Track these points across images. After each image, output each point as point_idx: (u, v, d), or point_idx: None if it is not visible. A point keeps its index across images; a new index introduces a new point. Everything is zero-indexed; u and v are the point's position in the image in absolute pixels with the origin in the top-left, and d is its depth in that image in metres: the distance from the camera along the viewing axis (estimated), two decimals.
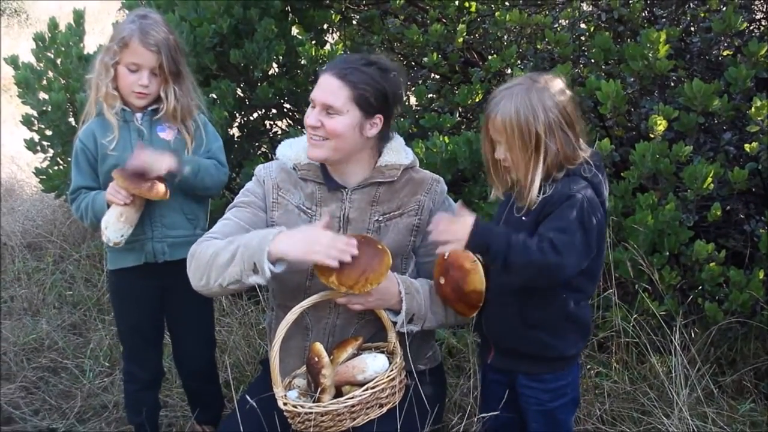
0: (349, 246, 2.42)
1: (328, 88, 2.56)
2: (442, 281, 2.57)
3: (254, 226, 2.67)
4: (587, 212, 2.35)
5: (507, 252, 2.31)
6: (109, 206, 2.95)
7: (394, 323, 2.58)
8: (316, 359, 2.47)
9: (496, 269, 2.43)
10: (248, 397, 2.57)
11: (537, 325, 2.49)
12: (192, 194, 3.09)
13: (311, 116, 2.58)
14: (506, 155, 2.42)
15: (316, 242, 2.42)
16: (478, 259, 2.52)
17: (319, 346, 2.51)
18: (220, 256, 2.49)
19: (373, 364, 2.50)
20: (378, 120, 2.59)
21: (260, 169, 2.81)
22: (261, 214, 2.72)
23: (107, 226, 2.94)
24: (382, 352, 2.60)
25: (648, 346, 3.37)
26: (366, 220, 2.66)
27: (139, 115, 3.03)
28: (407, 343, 2.55)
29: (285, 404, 2.46)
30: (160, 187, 2.91)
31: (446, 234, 2.38)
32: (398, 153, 2.69)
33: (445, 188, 2.77)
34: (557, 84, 2.44)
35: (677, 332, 3.22)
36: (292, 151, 2.73)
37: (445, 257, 2.54)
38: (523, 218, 2.44)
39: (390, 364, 2.54)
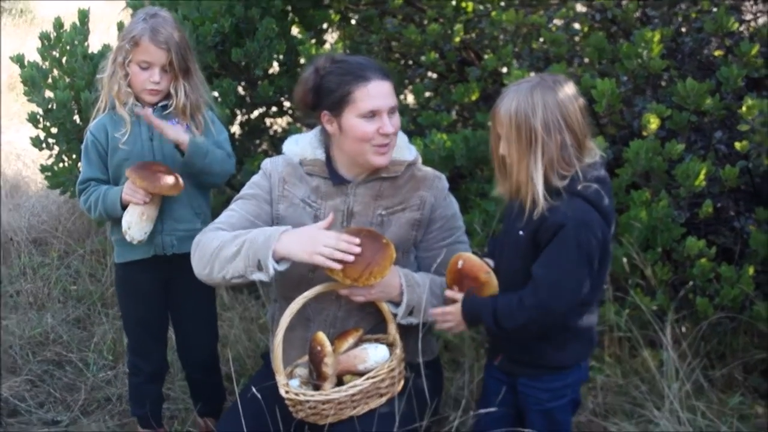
0: (351, 247, 2.47)
1: (384, 91, 2.61)
2: (456, 290, 2.57)
3: (258, 218, 2.73)
4: (583, 240, 2.34)
5: (496, 320, 2.42)
6: (123, 205, 3.02)
7: (395, 315, 2.63)
8: (319, 348, 2.50)
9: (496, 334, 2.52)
10: (252, 388, 2.61)
11: (541, 338, 2.52)
12: (198, 184, 3.16)
13: (388, 124, 2.60)
14: (507, 150, 2.42)
15: (320, 243, 2.47)
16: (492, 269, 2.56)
17: (322, 336, 2.54)
18: (225, 250, 2.55)
19: (375, 355, 2.54)
20: None
21: (267, 163, 2.85)
22: (265, 206, 2.77)
23: (130, 227, 3.01)
24: (383, 344, 2.63)
25: (640, 341, 3.40)
26: (370, 214, 2.71)
27: (150, 110, 3.09)
28: (418, 335, 2.60)
29: (287, 392, 2.49)
30: (176, 181, 2.99)
31: (447, 322, 2.53)
32: (402, 149, 2.74)
33: (447, 185, 2.81)
34: (567, 88, 2.40)
35: (669, 327, 3.25)
36: (299, 146, 2.79)
37: (459, 267, 2.55)
38: (521, 232, 2.45)
39: (390, 355, 2.57)
